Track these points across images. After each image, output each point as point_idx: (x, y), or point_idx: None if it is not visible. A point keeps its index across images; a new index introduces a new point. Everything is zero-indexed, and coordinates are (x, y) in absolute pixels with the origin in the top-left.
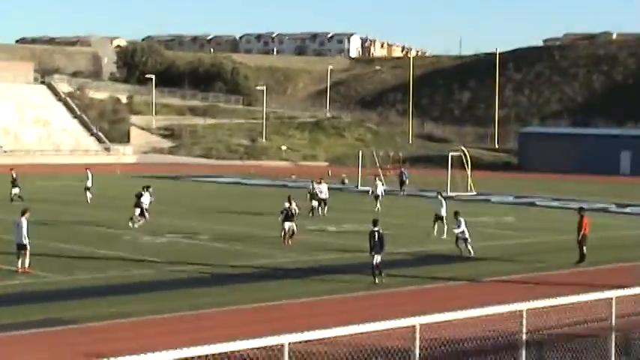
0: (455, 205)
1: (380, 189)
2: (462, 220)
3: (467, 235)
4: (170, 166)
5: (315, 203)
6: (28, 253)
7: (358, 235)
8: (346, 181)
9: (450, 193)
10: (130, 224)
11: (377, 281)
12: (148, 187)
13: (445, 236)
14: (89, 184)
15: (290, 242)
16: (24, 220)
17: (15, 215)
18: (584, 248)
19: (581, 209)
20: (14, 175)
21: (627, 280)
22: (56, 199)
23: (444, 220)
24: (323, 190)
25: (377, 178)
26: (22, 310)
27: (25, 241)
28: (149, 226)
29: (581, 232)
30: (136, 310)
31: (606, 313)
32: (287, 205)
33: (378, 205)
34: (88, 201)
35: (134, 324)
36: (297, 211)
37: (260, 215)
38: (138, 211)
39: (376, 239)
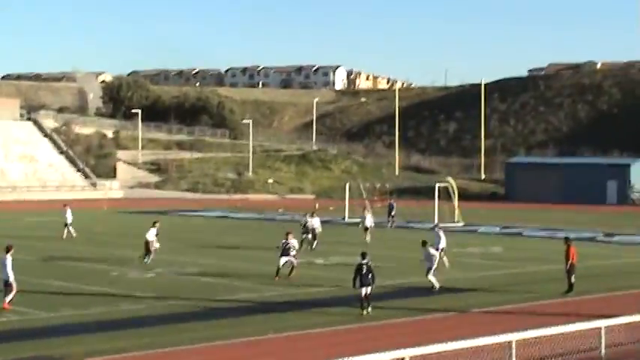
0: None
1: (369, 221)
2: (430, 249)
3: (433, 266)
4: (157, 200)
5: (309, 236)
6: (13, 290)
7: (346, 267)
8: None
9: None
10: (146, 259)
11: (364, 313)
12: (155, 222)
13: (447, 266)
14: (69, 220)
15: (289, 277)
16: (9, 257)
17: None
18: (572, 277)
19: (567, 239)
20: None
21: (617, 309)
22: (43, 235)
23: (442, 252)
24: (315, 224)
25: (365, 210)
26: (11, 347)
27: (10, 278)
28: (138, 262)
29: (569, 262)
30: (124, 347)
31: (596, 342)
32: (285, 240)
33: (368, 236)
34: (72, 236)
35: None
36: (295, 246)
37: (247, 249)
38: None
39: (364, 272)
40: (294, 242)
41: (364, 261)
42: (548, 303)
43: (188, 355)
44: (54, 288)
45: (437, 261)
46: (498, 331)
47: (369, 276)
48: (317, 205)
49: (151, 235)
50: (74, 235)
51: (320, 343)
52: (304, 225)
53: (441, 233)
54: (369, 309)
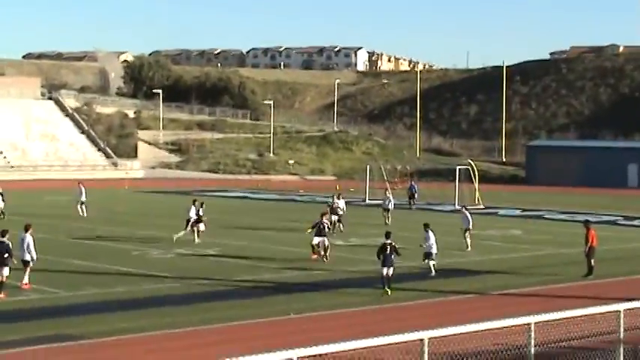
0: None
1: (390, 203)
2: (431, 233)
3: (432, 250)
4: (178, 181)
5: (334, 218)
6: (28, 269)
7: (366, 249)
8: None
9: (457, 207)
10: (197, 240)
11: (389, 293)
12: (195, 201)
13: (469, 249)
14: (83, 198)
15: (325, 259)
16: (28, 236)
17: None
18: (592, 261)
19: (587, 222)
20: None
21: (636, 292)
22: (64, 214)
23: (467, 233)
24: (340, 205)
25: (386, 192)
26: (32, 326)
27: (28, 257)
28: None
29: (589, 245)
30: (144, 326)
31: (615, 325)
32: (319, 220)
33: (389, 219)
34: (84, 214)
35: (143, 339)
36: (328, 225)
37: (268, 230)
38: (202, 226)
39: (387, 252)
40: (326, 222)
41: (388, 241)
42: (568, 286)
43: (209, 335)
44: (75, 267)
45: (435, 247)
46: (517, 314)
47: (392, 256)
48: (338, 187)
49: (192, 213)
50: (85, 214)
51: (340, 323)
52: (331, 206)
53: (468, 214)
54: (391, 290)
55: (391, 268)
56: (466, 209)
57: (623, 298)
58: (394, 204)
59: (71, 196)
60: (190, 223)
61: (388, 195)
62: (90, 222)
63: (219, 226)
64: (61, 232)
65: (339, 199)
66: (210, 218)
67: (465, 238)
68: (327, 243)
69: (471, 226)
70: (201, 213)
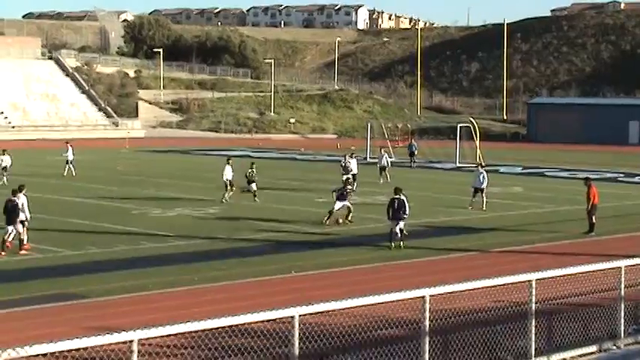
0: (463, 175)
1: (385, 160)
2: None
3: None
4: (179, 140)
5: (347, 177)
6: (25, 229)
7: (366, 207)
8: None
9: (458, 164)
10: (256, 199)
11: (392, 246)
12: (229, 160)
13: (484, 208)
14: (70, 157)
15: (350, 222)
16: (22, 196)
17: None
18: (594, 218)
19: (587, 179)
20: None
21: (637, 249)
22: (65, 173)
23: (484, 193)
24: (352, 165)
25: (382, 150)
26: (34, 284)
27: (23, 216)
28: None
29: (590, 202)
30: (146, 284)
31: (615, 282)
32: (343, 186)
33: (385, 177)
34: (73, 174)
35: (145, 298)
36: (352, 190)
37: (268, 189)
38: (254, 186)
39: (396, 206)
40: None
41: (397, 196)
42: (569, 243)
43: (211, 293)
44: (76, 226)
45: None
46: (518, 271)
47: (401, 211)
48: (339, 145)
49: (227, 173)
50: (74, 173)
51: (341, 281)
52: (344, 166)
53: (485, 173)
54: (401, 244)
55: (401, 223)
56: (482, 168)
57: (624, 254)
58: (391, 161)
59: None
60: (229, 182)
61: (383, 153)
62: (90, 181)
63: (220, 185)
64: (63, 191)
65: (351, 158)
66: (211, 177)
67: (477, 197)
68: (349, 205)
69: (484, 186)
70: (252, 174)
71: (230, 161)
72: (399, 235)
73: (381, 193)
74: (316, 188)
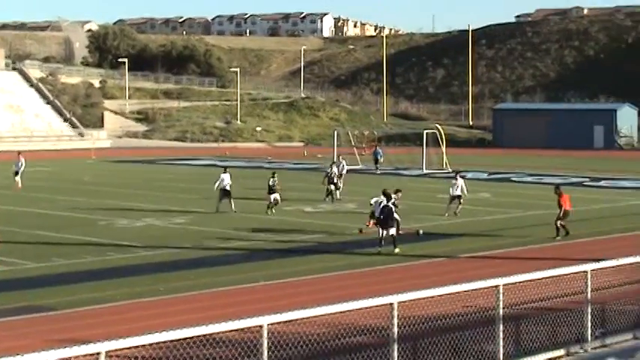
0: (430, 181)
1: (336, 169)
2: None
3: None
4: (145, 150)
5: (332, 187)
6: None
7: (335, 215)
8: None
9: (425, 171)
10: (268, 212)
11: (380, 251)
12: (226, 169)
13: (458, 213)
14: (20, 169)
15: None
16: None
17: None
18: (559, 223)
19: (557, 187)
20: None
21: (603, 253)
22: (31, 185)
23: (460, 200)
24: (335, 172)
25: (340, 158)
26: (2, 297)
27: None
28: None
29: (561, 210)
30: (114, 295)
31: (582, 286)
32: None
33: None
34: (18, 186)
35: (113, 309)
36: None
37: (236, 197)
38: (273, 197)
39: (384, 215)
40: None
41: (387, 203)
42: (537, 248)
43: (179, 303)
44: (42, 238)
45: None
46: (486, 276)
47: (389, 220)
48: (305, 153)
49: (225, 181)
50: (20, 185)
51: (310, 289)
52: (328, 175)
53: (462, 182)
54: (396, 249)
55: (391, 230)
56: (460, 176)
57: (590, 258)
58: (358, 168)
59: (37, 167)
60: (220, 193)
61: (341, 160)
62: (56, 192)
63: (187, 194)
64: (28, 203)
65: (335, 163)
66: (178, 186)
67: (452, 205)
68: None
69: (461, 193)
70: (274, 183)
71: (227, 170)
72: (394, 241)
73: (351, 201)
74: (283, 196)
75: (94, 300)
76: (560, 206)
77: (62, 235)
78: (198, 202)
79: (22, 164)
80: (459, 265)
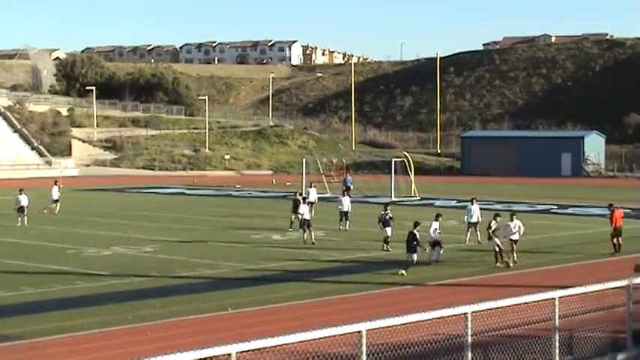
0: (399, 209)
1: (313, 196)
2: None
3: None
4: (113, 178)
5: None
6: None
7: (304, 243)
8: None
9: (393, 199)
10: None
11: (404, 274)
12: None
13: (481, 240)
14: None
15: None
16: None
17: None
18: (615, 240)
19: (610, 205)
20: None
21: (571, 280)
22: None
23: (477, 227)
24: (312, 194)
25: (312, 185)
26: None
27: None
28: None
29: (613, 225)
30: (82, 324)
31: (550, 313)
32: (384, 212)
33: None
34: (55, 211)
35: (81, 338)
36: (391, 216)
37: (204, 226)
38: (299, 216)
39: (410, 239)
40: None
41: (413, 230)
42: (505, 275)
43: (146, 332)
44: (9, 267)
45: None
46: (454, 304)
47: (414, 243)
48: (274, 181)
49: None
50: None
51: (279, 317)
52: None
53: (477, 209)
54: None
55: (413, 255)
56: (475, 202)
57: (558, 285)
58: (326, 196)
59: (4, 195)
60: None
61: (311, 189)
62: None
63: (156, 222)
64: None
65: (310, 187)
66: (146, 215)
67: (470, 233)
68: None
69: (476, 220)
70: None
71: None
72: (409, 262)
73: (319, 229)
74: (252, 225)
75: (61, 329)
76: (611, 222)
77: (30, 263)
78: (167, 230)
79: (56, 191)
80: (426, 293)
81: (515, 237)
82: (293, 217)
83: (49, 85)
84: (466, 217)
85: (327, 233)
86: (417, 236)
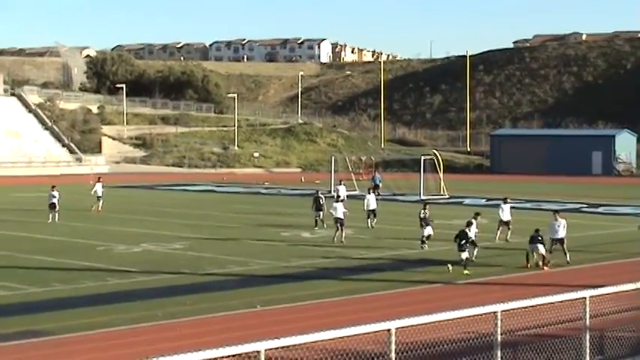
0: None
1: (342, 193)
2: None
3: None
4: (143, 175)
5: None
6: None
7: (332, 240)
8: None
9: (422, 197)
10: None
11: (466, 273)
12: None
13: (509, 239)
14: (99, 193)
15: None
16: None
17: None
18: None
19: None
20: None
21: (602, 279)
22: (30, 210)
23: (509, 225)
24: (341, 191)
25: (341, 182)
26: (1, 322)
27: None
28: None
29: None
30: (112, 321)
31: (581, 312)
32: (423, 210)
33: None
34: (98, 209)
35: (111, 334)
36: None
37: (233, 223)
38: (321, 214)
39: (461, 237)
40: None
41: (465, 229)
42: (535, 274)
43: (175, 329)
44: (41, 263)
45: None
46: (484, 302)
47: (463, 241)
48: (303, 179)
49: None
50: (100, 208)
51: (308, 315)
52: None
53: (508, 208)
54: (465, 270)
55: (463, 254)
56: (506, 202)
57: (589, 285)
58: (355, 194)
59: (36, 192)
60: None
61: (340, 186)
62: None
63: (185, 220)
64: (28, 228)
65: (340, 185)
66: (176, 212)
67: (501, 232)
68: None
69: (507, 219)
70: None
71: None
72: (464, 261)
73: (351, 227)
74: (281, 222)
75: (91, 325)
76: None
77: (61, 260)
78: (196, 227)
79: (100, 188)
80: (456, 291)
81: (560, 235)
82: (315, 215)
83: (79, 83)
84: (499, 214)
85: (356, 231)
86: (469, 235)
